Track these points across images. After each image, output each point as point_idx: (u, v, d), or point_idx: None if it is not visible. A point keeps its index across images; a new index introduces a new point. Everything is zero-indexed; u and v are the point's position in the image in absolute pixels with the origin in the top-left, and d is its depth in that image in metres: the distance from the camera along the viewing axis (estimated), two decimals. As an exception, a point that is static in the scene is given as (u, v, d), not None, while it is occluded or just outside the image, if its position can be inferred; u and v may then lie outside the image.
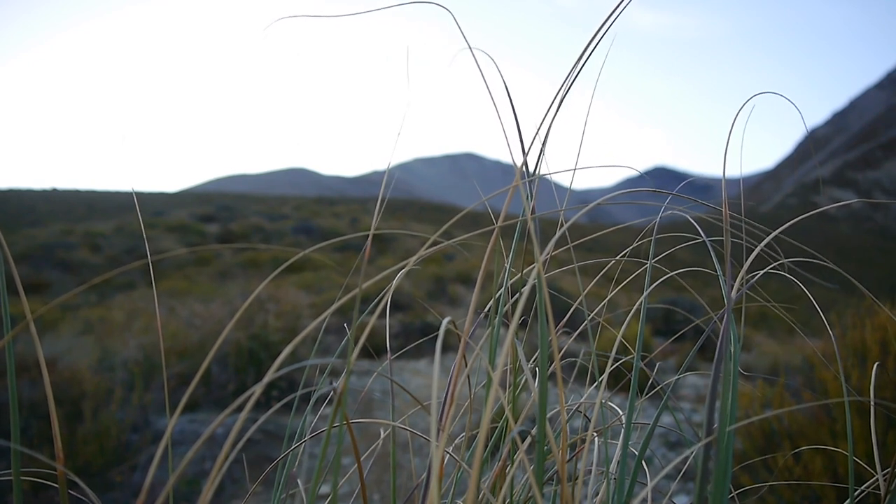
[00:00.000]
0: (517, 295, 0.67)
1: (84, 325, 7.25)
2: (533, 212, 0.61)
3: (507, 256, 0.70)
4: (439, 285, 11.79)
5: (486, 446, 0.72)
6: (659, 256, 0.72)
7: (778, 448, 2.56)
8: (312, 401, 0.60)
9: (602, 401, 0.67)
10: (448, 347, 5.04)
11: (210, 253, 16.22)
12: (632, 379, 0.66)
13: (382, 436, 0.78)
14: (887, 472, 0.64)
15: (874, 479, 0.67)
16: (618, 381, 3.54)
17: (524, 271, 0.70)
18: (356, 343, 0.49)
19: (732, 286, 0.61)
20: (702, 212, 0.72)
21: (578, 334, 0.81)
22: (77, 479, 0.53)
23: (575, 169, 0.68)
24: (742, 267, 0.64)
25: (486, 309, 0.70)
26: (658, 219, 0.71)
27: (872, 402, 0.63)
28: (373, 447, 0.82)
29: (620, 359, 0.77)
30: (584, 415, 0.78)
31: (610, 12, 0.62)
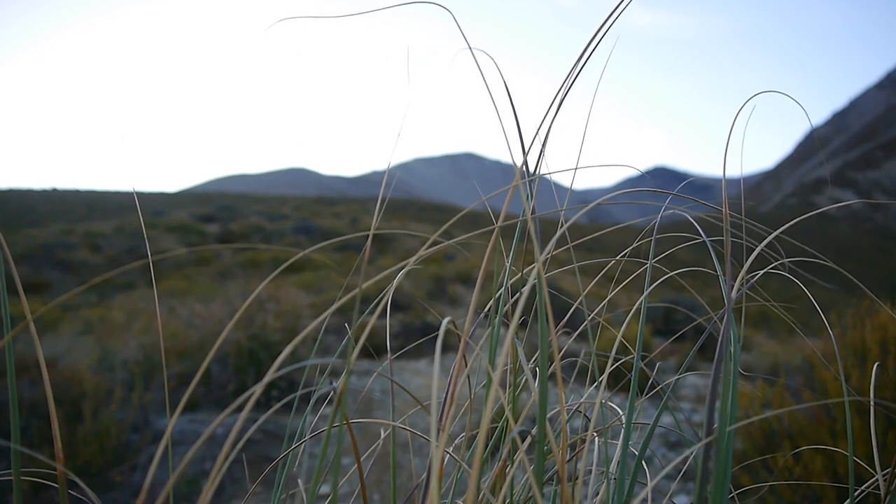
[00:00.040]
0: (517, 295, 0.67)
1: (84, 325, 7.26)
2: (533, 212, 0.61)
3: (508, 256, 0.70)
4: (439, 285, 11.79)
5: (486, 446, 0.72)
6: (659, 256, 0.72)
7: (778, 448, 2.56)
8: (312, 401, 0.60)
9: (602, 401, 0.67)
10: (448, 347, 5.04)
11: (210, 253, 16.22)
12: (632, 379, 0.66)
13: (382, 436, 0.78)
14: (887, 473, 0.64)
15: (874, 479, 0.67)
16: (618, 381, 3.54)
17: (524, 271, 0.70)
18: (356, 343, 0.49)
19: (732, 286, 0.61)
20: (702, 212, 0.72)
21: (578, 334, 0.81)
22: (77, 479, 0.52)
23: (575, 169, 0.68)
24: (742, 267, 0.64)
25: (486, 309, 0.70)
26: (658, 219, 0.71)
27: (872, 402, 0.63)
28: (373, 447, 0.82)
29: (620, 359, 0.77)
30: (584, 415, 0.78)
31: (610, 12, 0.62)
